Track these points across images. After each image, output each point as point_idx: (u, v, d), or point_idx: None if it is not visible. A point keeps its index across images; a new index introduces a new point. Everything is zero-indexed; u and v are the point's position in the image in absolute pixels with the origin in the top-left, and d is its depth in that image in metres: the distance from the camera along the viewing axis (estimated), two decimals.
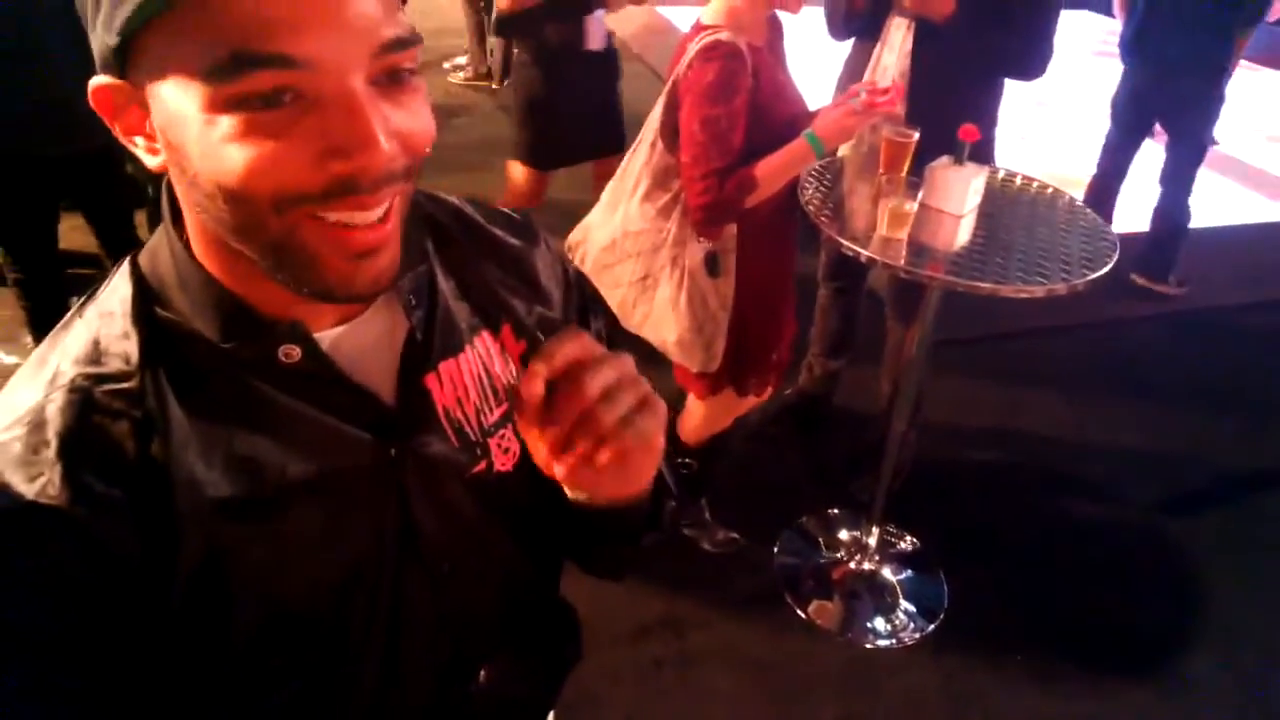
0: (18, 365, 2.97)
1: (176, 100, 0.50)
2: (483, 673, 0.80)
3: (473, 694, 0.80)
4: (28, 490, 0.53)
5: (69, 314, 0.62)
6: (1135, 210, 4.13)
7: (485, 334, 0.74)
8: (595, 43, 2.86)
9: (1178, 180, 3.65)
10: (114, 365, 0.58)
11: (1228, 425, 3.07)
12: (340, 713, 0.69)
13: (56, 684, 0.54)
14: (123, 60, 0.52)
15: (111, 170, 2.62)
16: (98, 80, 0.53)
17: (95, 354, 0.58)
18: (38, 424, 0.55)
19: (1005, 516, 2.62)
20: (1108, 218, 3.31)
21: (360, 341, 0.65)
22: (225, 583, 0.59)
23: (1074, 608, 2.34)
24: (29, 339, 2.83)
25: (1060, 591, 2.39)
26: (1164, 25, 3.40)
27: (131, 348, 0.58)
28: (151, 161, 0.56)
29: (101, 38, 0.51)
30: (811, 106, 1.90)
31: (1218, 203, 4.73)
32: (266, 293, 0.58)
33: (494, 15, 3.19)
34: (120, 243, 2.75)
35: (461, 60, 5.88)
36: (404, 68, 0.53)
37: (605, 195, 1.96)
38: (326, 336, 0.63)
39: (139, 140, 0.55)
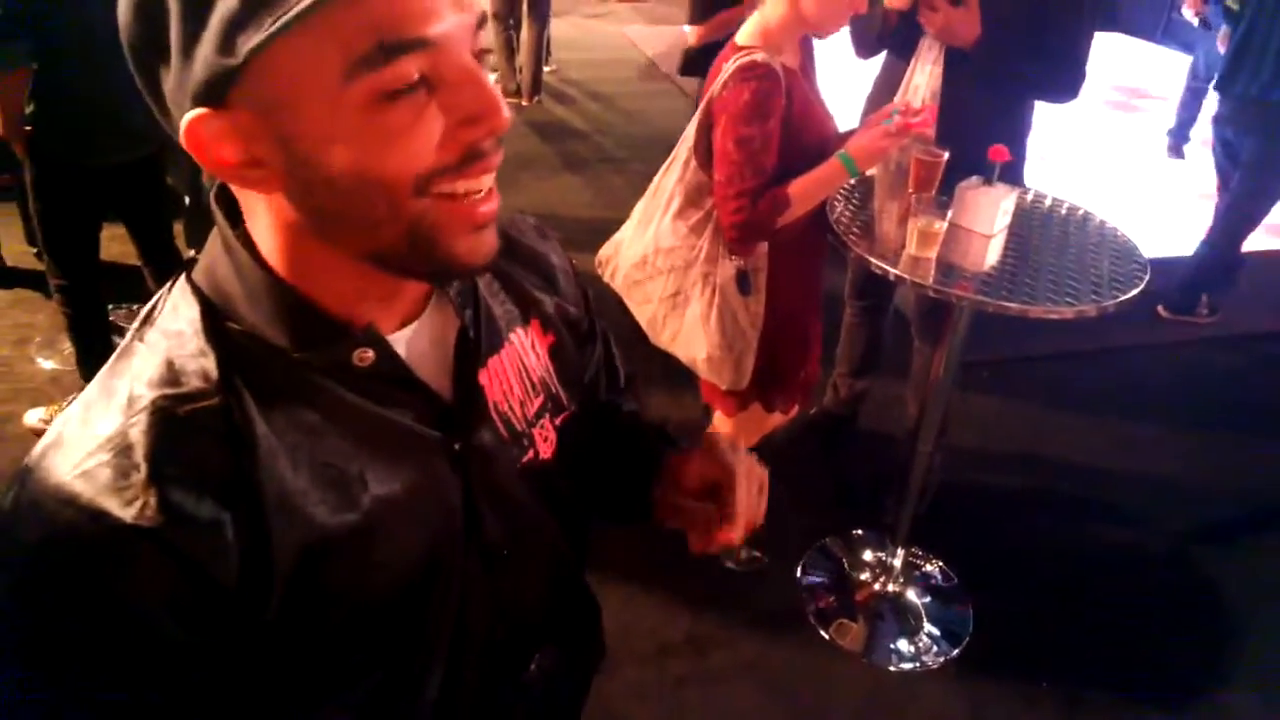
0: (56, 370, 3.06)
1: (312, 109, 0.51)
2: (534, 661, 0.83)
3: (525, 683, 0.82)
4: (125, 515, 0.52)
5: (126, 340, 0.61)
6: (1170, 233, 4.10)
7: (519, 329, 0.78)
8: None
9: (1237, 213, 3.56)
10: (193, 384, 0.57)
11: (1260, 454, 3.02)
12: (411, 703, 0.71)
13: (154, 704, 0.55)
14: (225, 90, 0.51)
15: (156, 180, 2.68)
16: (194, 114, 0.52)
17: (171, 375, 0.57)
18: (124, 448, 0.54)
19: (1032, 542, 2.60)
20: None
21: (422, 342, 0.68)
22: (318, 589, 0.60)
23: (1101, 636, 2.31)
24: (68, 346, 2.89)
25: (1087, 619, 2.35)
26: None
27: (210, 365, 0.58)
28: (248, 187, 0.56)
29: (211, 66, 0.50)
30: (840, 125, 1.91)
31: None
32: (339, 294, 0.60)
33: (683, 54, 3.21)
34: (160, 252, 2.81)
35: (491, 78, 5.92)
36: (481, 47, 0.57)
37: (636, 212, 1.98)
38: (395, 339, 0.65)
39: (232, 168, 0.54)
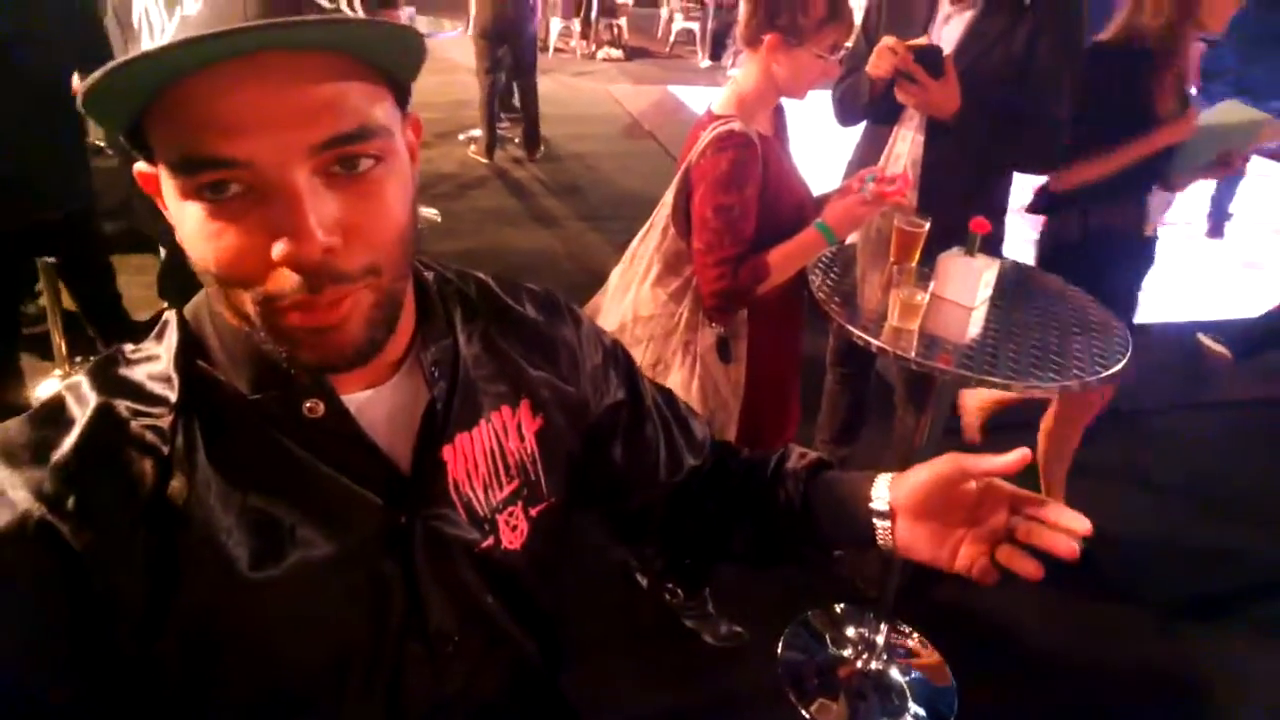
0: None
1: (165, 187, 0.56)
2: None
3: None
4: (19, 495, 0.55)
5: (119, 349, 0.65)
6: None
7: (505, 409, 0.75)
8: (1154, 226, 2.44)
9: None
10: (153, 403, 0.60)
11: (1248, 527, 2.98)
12: None
13: (23, 693, 0.54)
14: (140, 147, 0.57)
15: (79, 238, 2.55)
16: (138, 166, 0.59)
17: (134, 389, 0.61)
18: (60, 443, 0.57)
19: (1019, 616, 2.53)
20: None
21: (383, 408, 0.67)
22: (218, 637, 0.59)
23: (1089, 712, 2.24)
24: None
25: (1077, 697, 2.29)
26: None
27: (171, 391, 0.61)
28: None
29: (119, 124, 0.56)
30: (815, 191, 1.90)
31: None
32: None
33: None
34: (98, 304, 2.71)
35: (476, 133, 5.99)
36: (360, 157, 0.54)
37: (614, 278, 1.95)
38: (352, 400, 0.65)
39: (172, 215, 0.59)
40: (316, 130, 0.52)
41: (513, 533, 0.75)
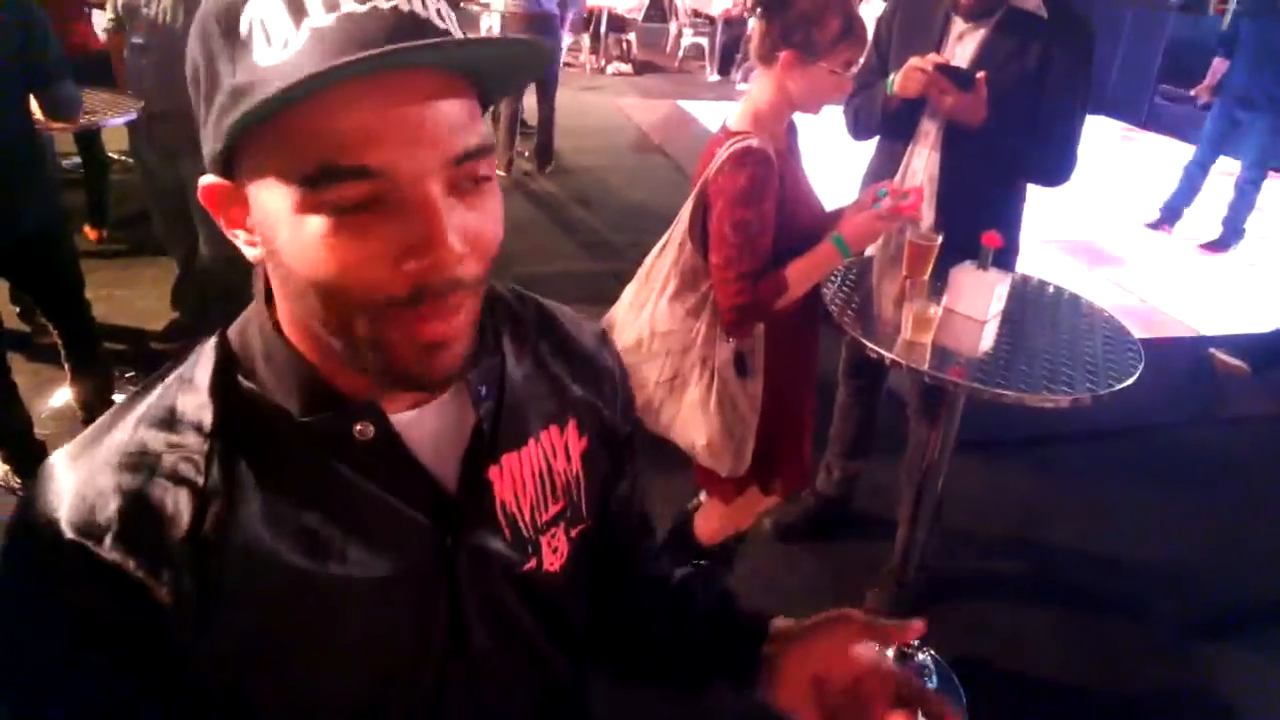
0: None
1: (272, 201, 0.54)
2: None
3: None
4: (74, 533, 0.55)
5: (152, 377, 0.64)
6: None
7: (554, 428, 0.75)
8: None
9: None
10: (186, 433, 0.60)
11: (1261, 542, 2.98)
12: None
13: None
14: (227, 162, 0.56)
15: (32, 262, 2.55)
16: (206, 180, 0.58)
17: (170, 420, 0.60)
18: (100, 478, 0.57)
19: (1028, 631, 2.53)
20: None
21: (430, 428, 0.67)
22: (263, 663, 0.59)
23: None
24: None
25: (1086, 713, 2.28)
26: None
27: (207, 417, 0.60)
28: (252, 253, 0.59)
29: (210, 143, 0.56)
30: (828, 205, 1.92)
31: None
32: (349, 376, 0.61)
33: None
34: (68, 320, 2.72)
35: None
36: (480, 174, 0.56)
37: (628, 293, 1.96)
38: (399, 420, 0.64)
39: (240, 234, 0.59)
40: (452, 145, 0.53)
41: (554, 555, 0.75)
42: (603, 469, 0.81)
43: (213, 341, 0.65)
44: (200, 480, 0.58)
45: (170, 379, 0.63)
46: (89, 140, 4.08)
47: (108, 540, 0.55)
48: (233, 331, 0.65)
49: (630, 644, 0.92)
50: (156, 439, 0.59)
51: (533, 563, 0.73)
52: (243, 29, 0.52)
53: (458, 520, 0.67)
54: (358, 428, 0.61)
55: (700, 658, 0.86)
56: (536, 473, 0.73)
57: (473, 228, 0.55)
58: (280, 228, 0.54)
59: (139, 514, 0.56)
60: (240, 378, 0.62)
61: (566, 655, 0.80)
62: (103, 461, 0.58)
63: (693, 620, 0.87)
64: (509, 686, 0.74)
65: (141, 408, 0.61)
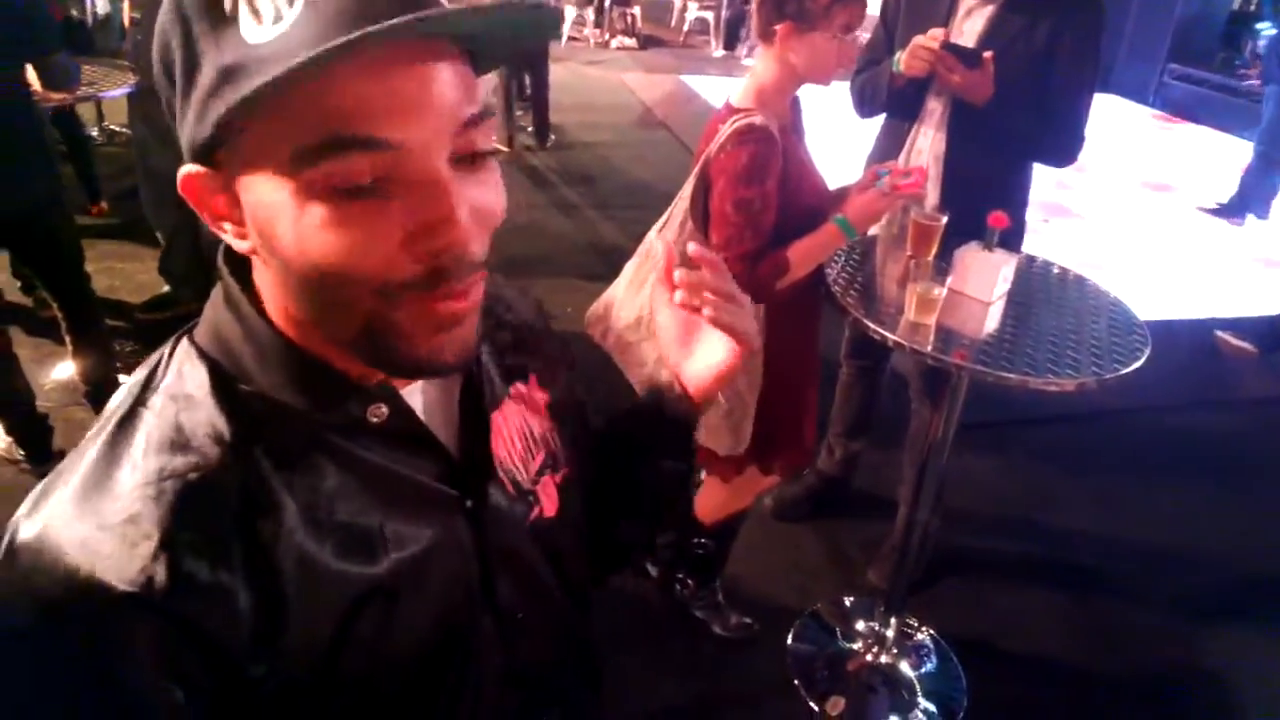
0: None
1: (267, 191, 0.51)
2: None
3: None
4: (129, 587, 0.50)
5: (127, 407, 0.57)
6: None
7: (519, 384, 0.78)
8: None
9: None
10: (204, 449, 0.55)
11: (1263, 522, 2.98)
12: None
13: None
14: (212, 151, 0.52)
15: (34, 235, 2.55)
16: (186, 169, 0.54)
17: (181, 440, 0.55)
18: (130, 517, 0.52)
19: (1030, 612, 2.53)
20: None
21: (426, 399, 0.67)
22: (334, 656, 0.58)
23: (1100, 713, 2.24)
24: None
25: (1086, 694, 2.29)
26: None
27: (222, 427, 0.56)
28: (241, 245, 0.56)
29: (192, 129, 0.52)
30: (832, 184, 1.89)
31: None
32: (352, 361, 0.59)
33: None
34: (69, 294, 2.71)
35: None
36: (480, 147, 0.54)
37: (628, 270, 1.94)
38: (404, 394, 0.64)
39: (227, 226, 0.56)
40: (456, 113, 0.52)
41: (549, 501, 0.77)
42: (570, 415, 0.84)
43: (187, 350, 0.60)
44: (235, 495, 0.55)
45: (154, 402, 0.57)
46: (67, 116, 4.10)
47: (162, 581, 0.50)
48: (204, 339, 0.60)
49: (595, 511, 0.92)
50: (174, 462, 0.54)
51: (536, 511, 0.75)
52: (226, 3, 0.49)
53: (471, 482, 0.68)
54: (371, 410, 0.60)
55: (644, 452, 0.90)
56: (519, 426, 0.75)
57: (479, 202, 0.54)
58: (278, 218, 0.51)
59: (187, 547, 0.52)
60: (239, 385, 0.59)
61: (575, 600, 0.82)
62: (123, 507, 0.52)
63: (617, 440, 0.91)
64: (533, 638, 0.76)
65: (139, 440, 0.55)
